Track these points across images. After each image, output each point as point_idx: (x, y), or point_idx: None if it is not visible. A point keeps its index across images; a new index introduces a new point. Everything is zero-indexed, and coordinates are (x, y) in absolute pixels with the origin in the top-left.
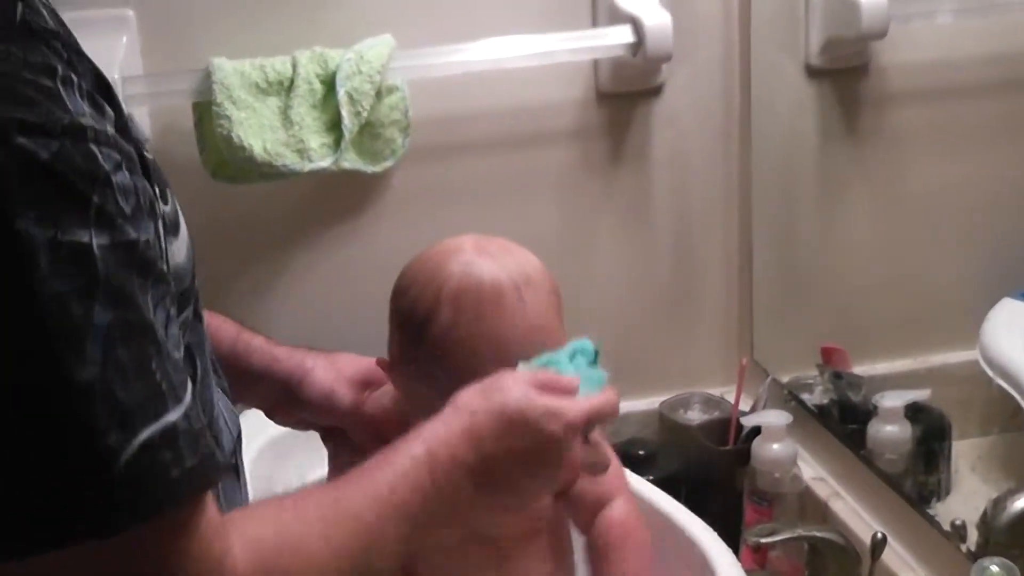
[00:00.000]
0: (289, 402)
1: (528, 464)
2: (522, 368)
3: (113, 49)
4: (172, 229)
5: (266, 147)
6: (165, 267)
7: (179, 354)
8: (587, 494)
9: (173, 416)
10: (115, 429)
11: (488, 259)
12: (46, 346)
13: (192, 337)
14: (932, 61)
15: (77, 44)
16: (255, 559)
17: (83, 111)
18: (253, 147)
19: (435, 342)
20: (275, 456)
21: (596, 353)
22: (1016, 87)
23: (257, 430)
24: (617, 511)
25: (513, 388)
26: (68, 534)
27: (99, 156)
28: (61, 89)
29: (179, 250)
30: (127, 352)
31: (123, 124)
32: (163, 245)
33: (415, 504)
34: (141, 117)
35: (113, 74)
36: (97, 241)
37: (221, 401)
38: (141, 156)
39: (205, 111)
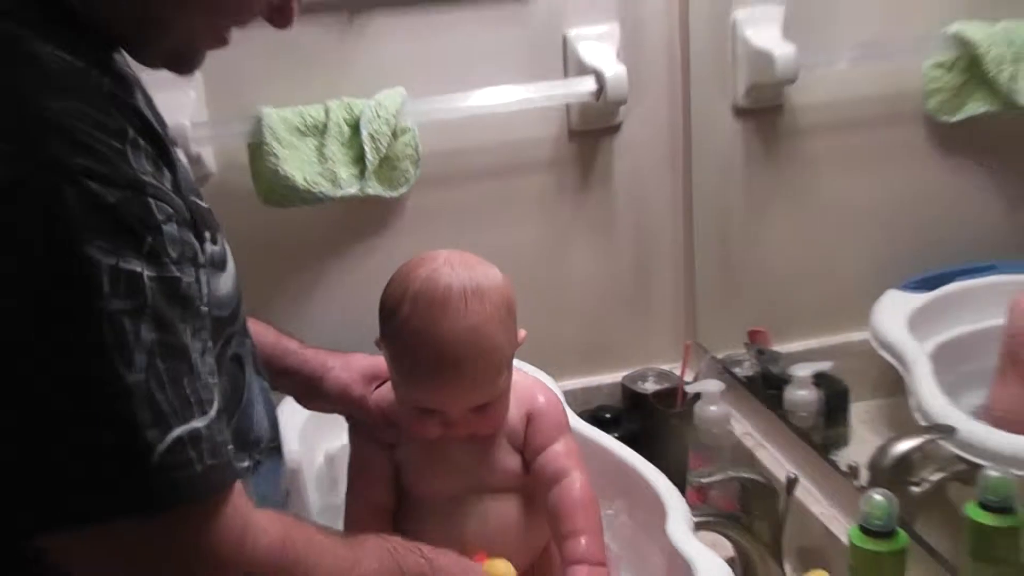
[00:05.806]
0: (312, 393)
1: None
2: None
3: (184, 101)
4: (220, 265)
5: (305, 177)
6: (204, 307)
7: (214, 380)
8: (546, 468)
9: (198, 424)
10: (153, 426)
11: (450, 269)
12: (103, 352)
13: (239, 348)
14: (834, 100)
15: (153, 123)
16: (273, 542)
17: (145, 170)
18: (295, 178)
19: (396, 330)
20: (317, 426)
21: None
22: (899, 119)
23: (299, 408)
24: (570, 481)
25: None
26: (111, 510)
27: (154, 208)
28: (129, 150)
29: (226, 283)
30: (165, 366)
31: (178, 184)
32: (203, 290)
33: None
34: (207, 156)
35: (184, 120)
36: (147, 273)
37: (262, 396)
38: (192, 210)
39: (257, 150)
